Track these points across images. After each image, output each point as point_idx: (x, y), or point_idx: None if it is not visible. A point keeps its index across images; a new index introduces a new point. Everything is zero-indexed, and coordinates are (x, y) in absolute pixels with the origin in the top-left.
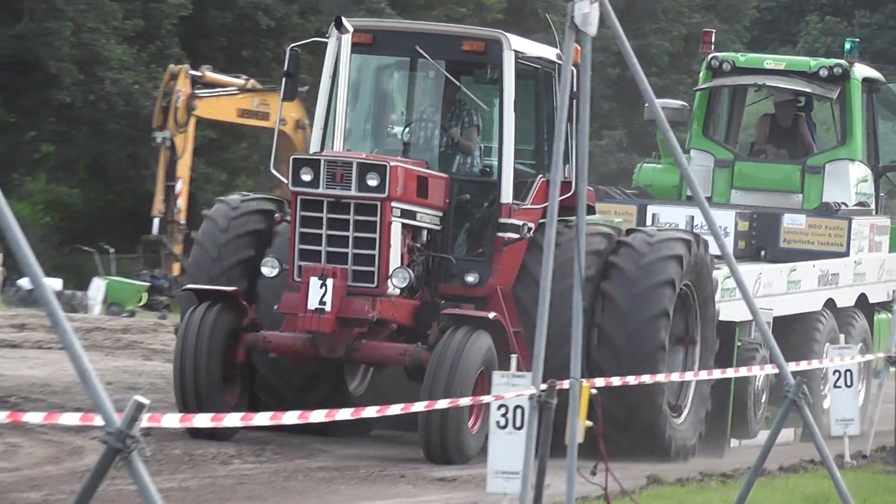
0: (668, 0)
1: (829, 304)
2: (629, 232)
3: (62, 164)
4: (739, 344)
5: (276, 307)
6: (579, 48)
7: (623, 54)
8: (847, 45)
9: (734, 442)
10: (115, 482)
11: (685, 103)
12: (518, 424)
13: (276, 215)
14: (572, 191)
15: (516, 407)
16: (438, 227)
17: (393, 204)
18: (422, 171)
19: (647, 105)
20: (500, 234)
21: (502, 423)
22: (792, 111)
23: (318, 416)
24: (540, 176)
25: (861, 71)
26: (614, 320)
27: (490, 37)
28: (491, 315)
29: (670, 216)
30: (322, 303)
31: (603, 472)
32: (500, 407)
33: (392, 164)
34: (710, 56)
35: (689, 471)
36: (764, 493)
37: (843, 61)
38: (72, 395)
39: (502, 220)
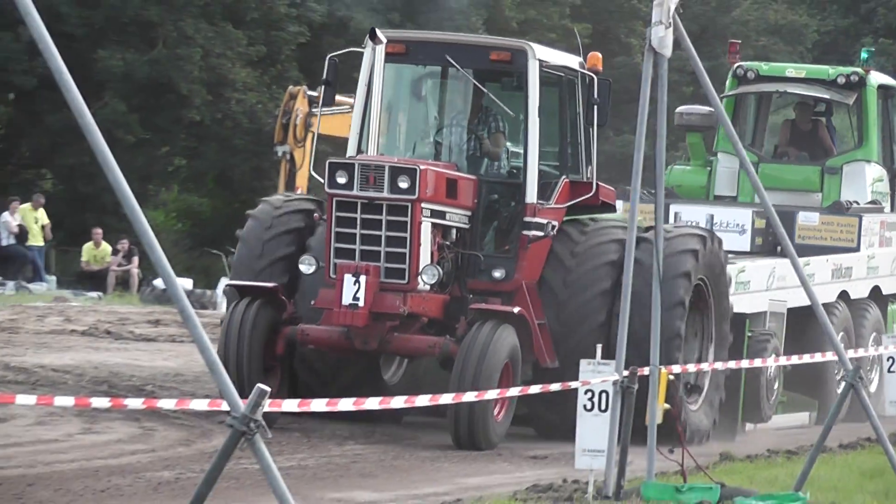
0: (737, 25)
1: (843, 295)
2: (647, 229)
3: (192, 175)
4: (750, 334)
5: (312, 302)
6: (599, 56)
7: (696, 74)
8: (863, 55)
9: (749, 426)
10: (241, 462)
11: (713, 109)
12: (603, 407)
13: (315, 214)
14: (593, 191)
15: (601, 392)
16: (467, 226)
17: (423, 205)
18: (451, 173)
19: (677, 111)
20: (524, 233)
21: (588, 406)
22: (810, 116)
23: (346, 404)
24: (563, 177)
25: (877, 78)
26: (633, 310)
27: (516, 47)
28: (516, 310)
29: (691, 215)
30: (356, 298)
31: (679, 449)
32: (586, 392)
33: (422, 167)
34: (736, 65)
35: (757, 447)
36: (825, 468)
37: (859, 69)
38: (201, 384)
39: (527, 219)
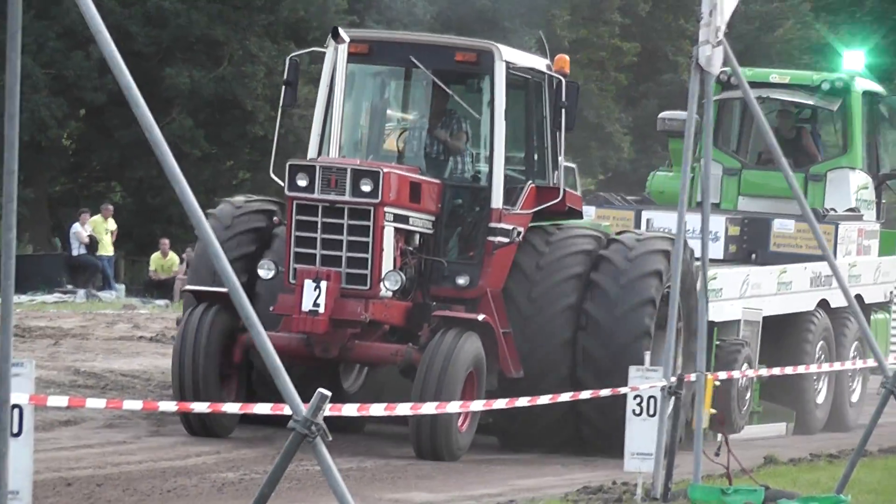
0: (781, 44)
1: (823, 304)
2: (619, 233)
3: (256, 188)
4: (719, 343)
5: (271, 308)
6: (567, 58)
7: (742, 92)
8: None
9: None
10: (302, 463)
11: (696, 115)
12: (651, 412)
13: (274, 218)
14: (560, 197)
15: (649, 397)
16: (431, 231)
17: (386, 209)
18: (415, 176)
19: (659, 117)
20: (490, 238)
21: (637, 411)
22: (794, 123)
23: (349, 409)
24: (529, 182)
25: (862, 84)
26: (603, 308)
27: (482, 48)
28: (480, 317)
29: (664, 221)
30: (316, 304)
31: (725, 452)
32: (635, 397)
33: (385, 170)
34: (720, 70)
35: (801, 451)
36: (866, 472)
37: (844, 75)
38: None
39: (492, 225)
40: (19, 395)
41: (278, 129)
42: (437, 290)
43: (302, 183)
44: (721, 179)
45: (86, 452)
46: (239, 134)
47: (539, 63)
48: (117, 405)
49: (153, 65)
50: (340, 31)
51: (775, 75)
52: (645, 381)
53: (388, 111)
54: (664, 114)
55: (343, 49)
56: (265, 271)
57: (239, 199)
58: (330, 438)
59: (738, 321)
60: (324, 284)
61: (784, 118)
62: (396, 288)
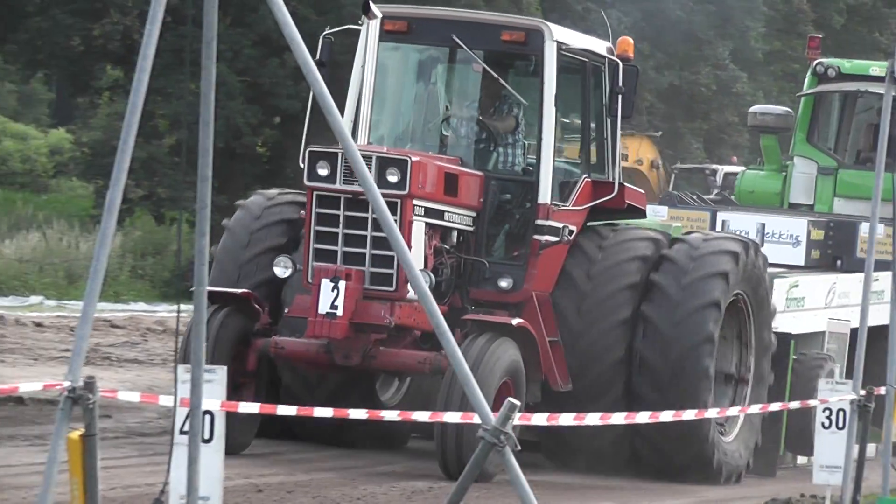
0: None
1: None
2: (687, 233)
3: None
4: (802, 356)
5: (286, 311)
6: (630, 41)
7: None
8: None
9: (801, 459)
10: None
11: (789, 109)
12: (840, 425)
13: (301, 212)
14: (615, 192)
15: (839, 410)
16: (471, 228)
17: (415, 202)
18: (451, 167)
19: (751, 111)
20: (536, 237)
21: (826, 423)
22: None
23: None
24: (585, 176)
25: None
26: (663, 311)
27: (531, 26)
28: (516, 321)
29: (740, 223)
30: (333, 307)
31: None
32: (824, 410)
33: (414, 158)
34: (816, 62)
35: None
36: None
37: None
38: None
39: (539, 222)
40: (211, 401)
41: (310, 113)
42: (477, 292)
43: (323, 172)
44: (815, 179)
45: (276, 459)
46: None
47: (597, 45)
48: (308, 412)
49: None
50: (372, 5)
51: (876, 68)
52: (834, 394)
53: (430, 96)
54: (756, 108)
55: (375, 25)
56: (281, 269)
57: (272, 191)
58: (518, 447)
59: (823, 333)
60: (342, 284)
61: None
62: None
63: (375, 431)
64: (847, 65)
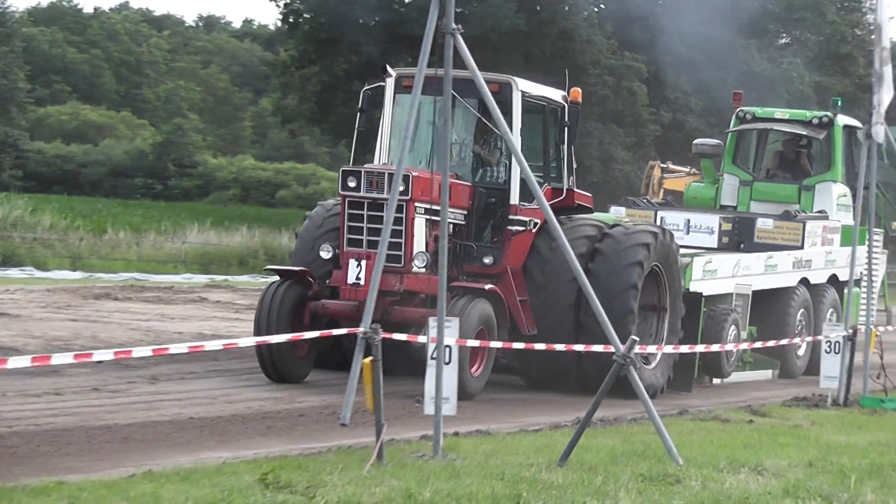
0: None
1: (804, 281)
2: (613, 225)
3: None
4: (714, 310)
5: (328, 281)
6: (579, 90)
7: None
8: (838, 102)
9: (716, 381)
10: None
11: (720, 141)
12: (836, 351)
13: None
14: (563, 195)
15: (836, 341)
16: (463, 222)
17: (416, 204)
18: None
19: (694, 143)
20: (509, 228)
21: (828, 350)
22: (795, 148)
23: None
24: (546, 184)
25: (842, 120)
26: (602, 268)
27: (503, 80)
28: (487, 287)
29: (673, 219)
30: (358, 278)
31: (884, 377)
32: (827, 342)
33: (414, 174)
34: (738, 109)
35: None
36: None
37: (829, 113)
38: None
39: (511, 217)
40: (449, 339)
41: (354, 146)
42: (468, 267)
43: (352, 184)
44: (738, 189)
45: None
46: (581, 182)
47: (553, 93)
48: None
49: None
50: (388, 67)
51: (779, 113)
52: (834, 331)
53: (441, 130)
54: (698, 140)
55: (390, 82)
56: (325, 252)
57: (329, 202)
58: (639, 366)
59: (731, 294)
60: (364, 262)
61: (788, 144)
62: (424, 265)
63: (408, 362)
64: (759, 111)
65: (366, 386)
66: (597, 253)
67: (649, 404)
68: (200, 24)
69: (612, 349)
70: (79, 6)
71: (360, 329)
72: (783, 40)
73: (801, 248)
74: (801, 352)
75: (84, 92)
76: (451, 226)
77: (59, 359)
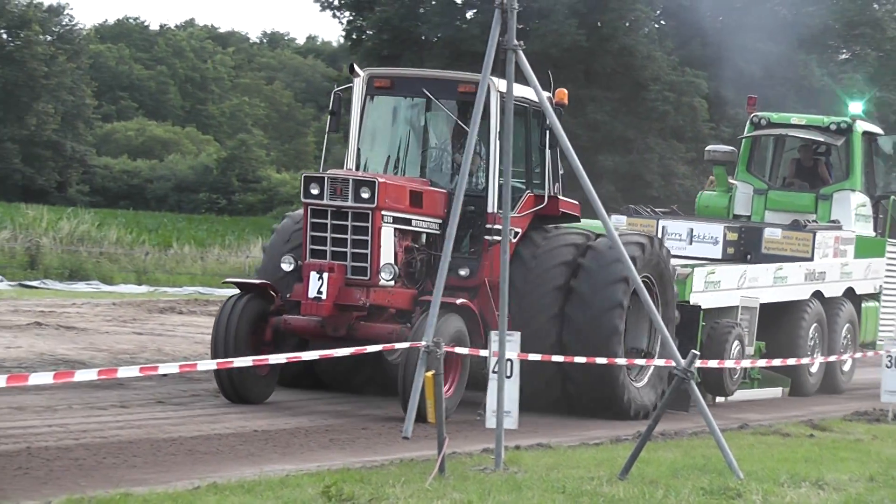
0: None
1: (817, 294)
2: (598, 236)
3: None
4: (713, 325)
5: (287, 295)
6: (565, 91)
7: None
8: (869, 96)
9: (719, 399)
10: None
11: (733, 148)
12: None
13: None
14: (545, 203)
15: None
16: (437, 232)
17: (383, 212)
18: (415, 185)
19: (706, 149)
20: (486, 238)
21: (889, 363)
22: (812, 155)
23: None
24: (528, 191)
25: (862, 126)
26: (578, 309)
27: (478, 80)
28: (458, 301)
29: (675, 228)
30: (319, 292)
31: None
32: (888, 356)
33: (380, 180)
34: (753, 115)
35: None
36: None
37: (848, 119)
38: None
39: (489, 226)
40: (511, 353)
41: (325, 151)
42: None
43: (314, 192)
44: (752, 197)
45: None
46: (643, 197)
47: (531, 93)
48: (524, 356)
49: (590, 153)
50: (355, 67)
51: (795, 118)
52: (893, 346)
53: (413, 135)
54: (710, 147)
55: (358, 83)
56: (287, 265)
57: (298, 213)
58: (699, 379)
59: (736, 307)
60: (326, 275)
61: (805, 151)
62: (390, 277)
63: (381, 379)
64: (775, 116)
65: (427, 399)
66: (580, 268)
67: (710, 418)
68: (264, 40)
69: (673, 363)
70: (145, 23)
71: (423, 342)
72: (843, 56)
73: (811, 259)
74: (813, 369)
75: (150, 108)
76: (425, 236)
77: (125, 372)
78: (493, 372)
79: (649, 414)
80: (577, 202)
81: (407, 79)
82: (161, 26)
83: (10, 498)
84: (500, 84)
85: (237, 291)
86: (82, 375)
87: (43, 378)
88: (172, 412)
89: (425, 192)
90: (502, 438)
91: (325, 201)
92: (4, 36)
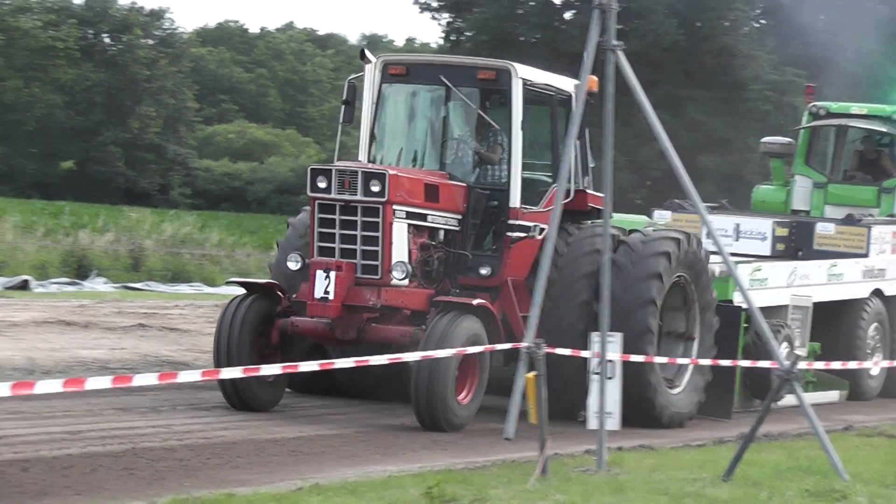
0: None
1: (877, 292)
2: (630, 231)
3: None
4: (747, 325)
5: (293, 296)
6: (595, 78)
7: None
8: None
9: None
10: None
11: (791, 139)
12: None
13: None
14: (571, 198)
15: None
16: (457, 228)
17: (395, 207)
18: (430, 178)
19: (762, 141)
20: (508, 234)
21: None
22: (875, 147)
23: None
24: (554, 185)
25: None
26: (618, 281)
27: (500, 66)
28: (475, 302)
29: (721, 223)
30: (326, 292)
31: None
32: None
33: (391, 172)
34: (811, 104)
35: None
36: None
37: None
38: None
39: (511, 222)
40: (612, 354)
41: (338, 143)
42: (463, 279)
43: (322, 185)
44: (811, 191)
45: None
46: (741, 196)
47: (558, 81)
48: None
49: (691, 154)
50: (366, 52)
51: (855, 108)
52: None
53: (432, 125)
54: (766, 139)
55: (370, 69)
56: (293, 263)
57: None
58: (803, 381)
59: (786, 306)
60: (333, 274)
61: (868, 142)
62: (403, 276)
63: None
64: (834, 106)
65: (529, 400)
66: (621, 245)
67: (815, 420)
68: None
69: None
70: (245, 27)
71: (524, 343)
72: None
73: (866, 255)
74: (874, 371)
75: (250, 110)
76: (443, 232)
77: (227, 373)
78: (595, 373)
79: (684, 423)
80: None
81: (423, 65)
82: (261, 29)
83: (117, 498)
84: (523, 71)
85: (243, 291)
86: (186, 377)
87: (147, 379)
88: (276, 412)
89: (442, 185)
90: (604, 439)
91: (332, 195)
92: (107, 40)
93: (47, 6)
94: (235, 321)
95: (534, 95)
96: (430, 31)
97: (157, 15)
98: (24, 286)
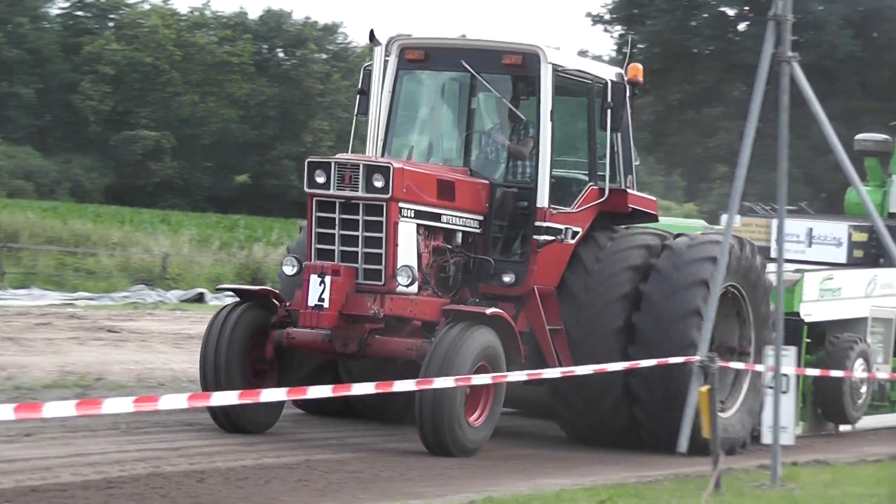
0: None
1: None
2: (677, 236)
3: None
4: (832, 339)
5: (287, 304)
6: (640, 67)
7: None
8: None
9: (845, 428)
10: None
11: (888, 136)
12: None
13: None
14: (605, 197)
15: None
16: (478, 230)
17: (401, 204)
18: (444, 174)
19: (856, 139)
20: (535, 237)
21: None
22: None
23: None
24: (590, 183)
25: None
26: (649, 317)
27: (528, 50)
28: (489, 311)
29: (792, 228)
30: (321, 299)
31: None
32: None
33: (396, 165)
34: None
35: None
36: None
37: None
38: None
39: (538, 224)
40: (787, 368)
41: (352, 136)
42: (485, 287)
43: (320, 180)
44: None
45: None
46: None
47: (599, 69)
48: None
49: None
50: (375, 33)
51: None
52: None
53: (452, 115)
54: (860, 136)
55: (379, 52)
56: (289, 268)
57: None
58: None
59: (865, 319)
60: (328, 279)
61: None
62: (409, 283)
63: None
64: None
65: (703, 414)
66: (651, 271)
67: None
68: None
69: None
70: None
71: (697, 357)
72: None
73: None
74: None
75: None
76: (461, 235)
77: (400, 386)
78: (769, 387)
79: (735, 451)
80: (653, 198)
81: (444, 49)
82: None
83: None
84: (553, 55)
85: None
86: (359, 389)
87: (321, 391)
88: None
89: (458, 182)
90: (779, 454)
91: (331, 191)
92: (281, 55)
93: (223, 22)
94: (224, 333)
95: (567, 83)
96: (604, 43)
97: (331, 29)
98: (199, 299)
